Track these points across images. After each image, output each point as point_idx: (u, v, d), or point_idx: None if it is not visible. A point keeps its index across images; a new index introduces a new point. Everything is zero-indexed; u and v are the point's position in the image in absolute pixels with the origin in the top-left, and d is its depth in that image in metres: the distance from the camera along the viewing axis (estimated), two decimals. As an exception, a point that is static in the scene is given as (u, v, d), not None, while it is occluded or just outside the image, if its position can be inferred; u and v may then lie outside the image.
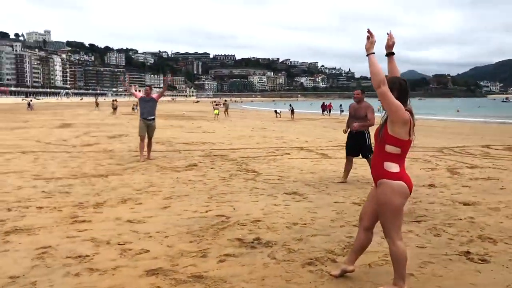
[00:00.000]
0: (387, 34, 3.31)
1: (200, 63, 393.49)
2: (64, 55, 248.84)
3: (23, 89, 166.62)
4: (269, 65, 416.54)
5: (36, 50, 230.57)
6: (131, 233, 4.71)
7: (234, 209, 5.81)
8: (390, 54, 3.35)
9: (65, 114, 38.72)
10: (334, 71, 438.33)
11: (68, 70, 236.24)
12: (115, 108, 40.67)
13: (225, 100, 52.14)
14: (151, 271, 3.66)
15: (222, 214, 5.50)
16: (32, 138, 15.82)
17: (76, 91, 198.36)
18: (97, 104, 56.02)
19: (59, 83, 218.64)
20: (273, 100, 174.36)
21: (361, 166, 9.10)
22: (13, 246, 4.25)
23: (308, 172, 8.92)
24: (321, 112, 48.81)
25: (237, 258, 4.03)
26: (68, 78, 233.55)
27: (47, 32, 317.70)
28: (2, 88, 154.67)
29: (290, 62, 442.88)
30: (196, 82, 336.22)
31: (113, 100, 45.51)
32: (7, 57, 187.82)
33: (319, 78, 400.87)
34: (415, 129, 3.19)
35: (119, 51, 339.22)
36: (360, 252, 3.55)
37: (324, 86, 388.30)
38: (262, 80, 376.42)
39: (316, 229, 4.95)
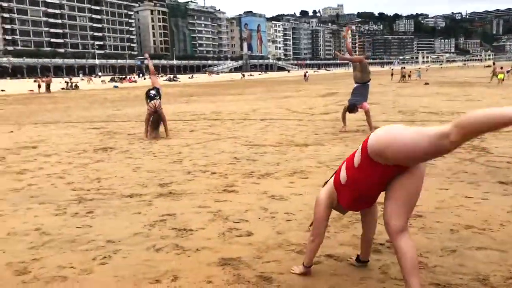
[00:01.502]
0: None
1: (501, 22, 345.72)
2: (354, 27, 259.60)
3: (316, 61, 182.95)
4: None
5: (329, 24, 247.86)
6: (257, 211, 4.27)
7: (404, 196, 4.59)
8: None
9: (338, 84, 40.15)
10: None
11: (357, 40, 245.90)
12: (403, 76, 39.65)
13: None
14: (225, 260, 3.16)
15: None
16: (285, 106, 16.90)
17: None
18: None
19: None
20: None
21: None
22: (147, 210, 4.43)
23: None
24: None
25: (338, 263, 3.08)
26: (357, 48, 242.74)
27: (340, 6, 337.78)
28: (300, 61, 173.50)
29: None
30: (495, 44, 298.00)
31: (402, 68, 44.63)
32: (304, 33, 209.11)
33: None
34: None
35: (408, 17, 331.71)
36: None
37: None
38: None
39: (492, 239, 3.39)
